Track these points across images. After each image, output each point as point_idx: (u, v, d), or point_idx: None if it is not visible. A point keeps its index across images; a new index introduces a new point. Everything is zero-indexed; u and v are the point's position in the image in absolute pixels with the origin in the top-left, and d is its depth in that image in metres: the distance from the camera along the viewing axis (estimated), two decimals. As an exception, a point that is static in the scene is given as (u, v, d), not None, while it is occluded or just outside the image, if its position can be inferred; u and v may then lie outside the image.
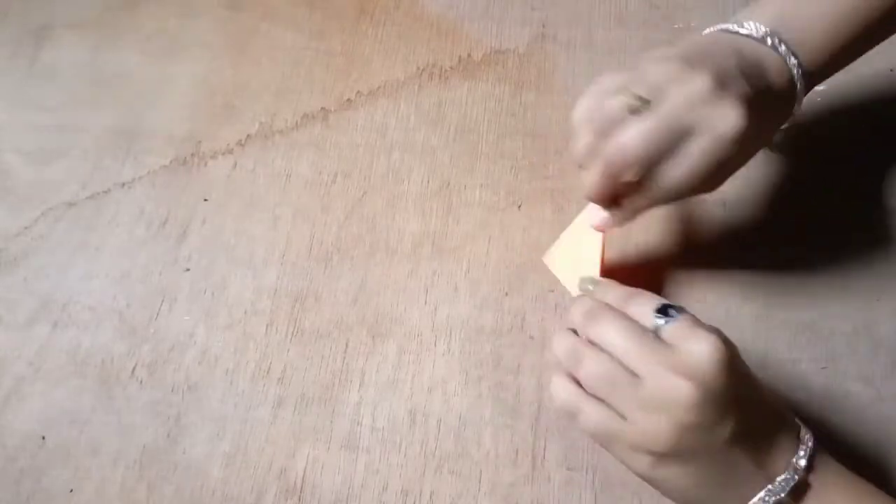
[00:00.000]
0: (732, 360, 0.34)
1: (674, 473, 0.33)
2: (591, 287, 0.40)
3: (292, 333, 0.46)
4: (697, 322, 0.35)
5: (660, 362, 0.33)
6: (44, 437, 0.44)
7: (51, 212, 0.52)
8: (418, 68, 0.56)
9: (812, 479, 0.33)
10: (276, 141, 0.53)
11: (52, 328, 0.47)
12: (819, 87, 0.50)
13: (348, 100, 0.55)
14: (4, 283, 0.49)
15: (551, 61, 0.55)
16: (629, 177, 0.38)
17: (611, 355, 0.34)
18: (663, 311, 0.35)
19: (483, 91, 0.54)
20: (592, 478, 0.41)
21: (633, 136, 0.37)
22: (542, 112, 0.53)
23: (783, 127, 0.41)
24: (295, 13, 0.59)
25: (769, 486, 0.33)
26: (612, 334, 0.35)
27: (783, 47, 0.39)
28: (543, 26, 0.57)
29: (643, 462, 0.33)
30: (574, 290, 0.43)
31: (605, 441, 0.35)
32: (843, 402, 0.42)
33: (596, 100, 0.38)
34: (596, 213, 0.42)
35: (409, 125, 0.53)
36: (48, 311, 0.48)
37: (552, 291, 0.46)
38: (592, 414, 0.34)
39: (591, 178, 0.39)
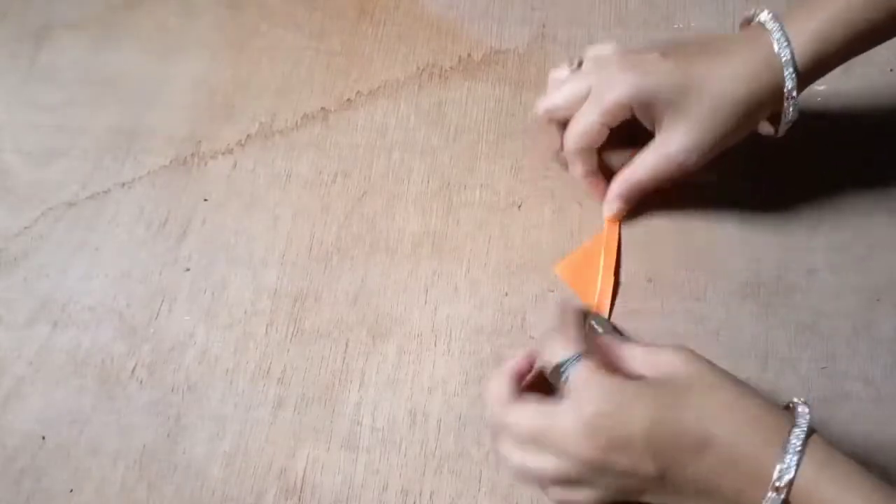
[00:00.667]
0: (622, 402, 0.33)
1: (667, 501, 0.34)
2: (596, 325, 0.43)
3: (292, 333, 0.46)
4: (593, 370, 0.35)
5: (563, 432, 0.34)
6: (44, 437, 0.44)
7: (51, 212, 0.52)
8: (418, 68, 0.56)
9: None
10: (276, 141, 0.53)
11: (52, 328, 0.47)
12: (819, 87, 0.51)
13: (348, 100, 0.55)
14: (4, 283, 0.49)
15: (551, 61, 0.55)
16: (591, 138, 0.45)
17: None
18: (559, 368, 0.36)
19: (483, 91, 0.54)
20: (592, 478, 0.41)
21: (557, 91, 0.47)
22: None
23: (788, 120, 0.43)
24: (295, 13, 0.59)
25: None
26: (520, 429, 0.36)
27: (779, 34, 0.40)
28: (543, 26, 0.57)
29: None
30: (589, 300, 0.45)
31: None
32: (843, 402, 0.42)
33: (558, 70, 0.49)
34: (609, 205, 0.47)
35: (409, 125, 0.53)
36: (48, 311, 0.48)
37: (552, 291, 0.46)
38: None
39: (572, 169, 0.48)
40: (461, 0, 0.58)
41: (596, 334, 0.42)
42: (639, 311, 0.45)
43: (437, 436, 0.42)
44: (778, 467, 0.31)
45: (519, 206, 0.49)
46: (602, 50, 0.45)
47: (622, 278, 0.46)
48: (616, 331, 0.44)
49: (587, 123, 0.44)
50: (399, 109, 0.54)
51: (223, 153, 0.53)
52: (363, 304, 0.47)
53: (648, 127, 0.44)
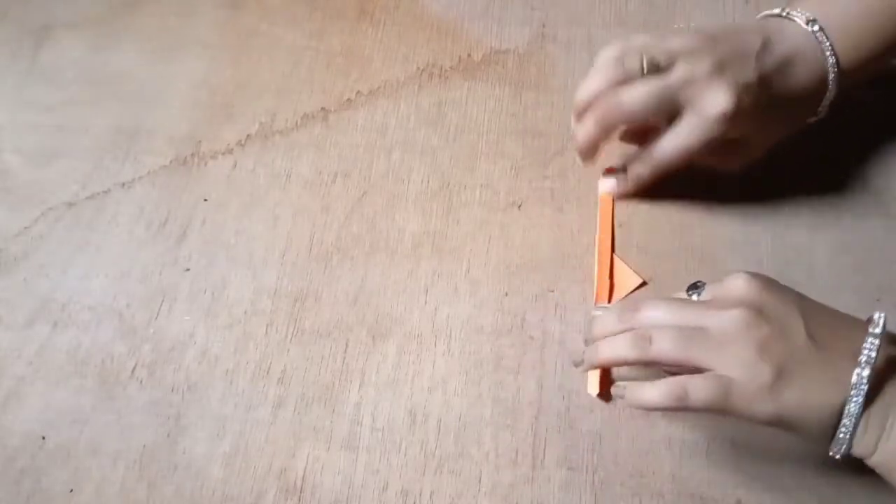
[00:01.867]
0: (767, 279, 0.36)
1: (791, 397, 0.33)
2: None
3: (292, 333, 0.46)
4: (723, 277, 0.37)
5: (709, 309, 0.35)
6: (44, 437, 0.44)
7: (51, 212, 0.52)
8: (418, 68, 0.56)
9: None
10: (276, 141, 0.53)
11: (52, 328, 0.47)
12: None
13: (348, 100, 0.55)
14: (4, 283, 0.49)
15: (551, 61, 0.55)
16: (617, 128, 0.43)
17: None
18: (692, 288, 0.38)
19: (483, 91, 0.54)
20: (592, 478, 0.41)
21: (632, 94, 0.41)
22: (542, 112, 0.53)
23: (812, 120, 0.44)
24: (295, 13, 0.59)
25: (856, 371, 0.33)
26: (660, 312, 0.36)
27: (823, 38, 0.42)
28: (543, 26, 0.57)
29: (763, 402, 0.34)
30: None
31: (721, 402, 0.34)
32: (843, 402, 0.42)
33: (618, 53, 0.43)
34: (605, 182, 0.48)
35: (409, 125, 0.53)
36: (48, 311, 0.48)
37: (552, 291, 0.46)
38: (697, 388, 0.34)
39: (586, 124, 0.43)
40: (461, 0, 0.58)
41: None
42: (639, 311, 0.45)
43: (437, 436, 0.42)
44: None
45: (519, 206, 0.49)
46: (680, 43, 0.42)
47: (617, 281, 0.46)
48: None
49: (691, 146, 0.41)
50: (399, 109, 0.54)
51: (223, 153, 0.53)
52: (363, 304, 0.47)
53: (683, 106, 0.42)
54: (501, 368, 0.44)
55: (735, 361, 0.34)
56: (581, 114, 0.44)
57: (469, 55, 0.56)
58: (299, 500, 0.41)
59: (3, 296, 0.49)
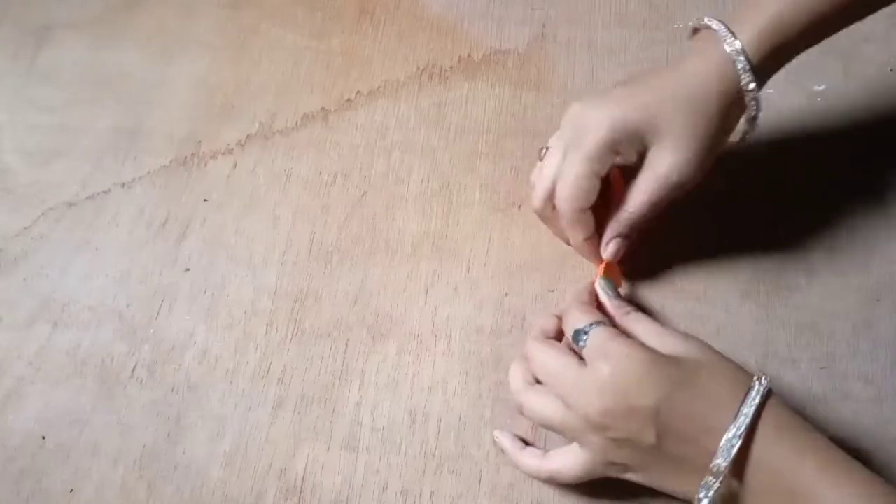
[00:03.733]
0: (639, 372, 0.35)
1: (640, 479, 0.36)
2: (602, 288, 0.43)
3: (292, 333, 0.46)
4: (612, 336, 0.37)
5: (576, 388, 0.36)
6: (44, 437, 0.44)
7: (51, 212, 0.52)
8: (418, 68, 0.56)
9: (753, 450, 0.33)
10: (276, 141, 0.53)
11: (52, 328, 0.47)
12: (818, 87, 0.51)
13: (348, 100, 0.55)
14: (4, 283, 0.49)
15: (551, 61, 0.55)
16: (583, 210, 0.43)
17: (545, 383, 0.38)
18: (577, 335, 0.38)
19: (483, 91, 0.54)
20: (592, 478, 0.41)
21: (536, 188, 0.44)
22: (542, 112, 0.53)
23: (753, 115, 0.42)
24: (295, 13, 0.59)
25: (704, 482, 0.33)
26: (539, 362, 0.39)
27: (724, 31, 0.40)
28: (543, 26, 0.57)
29: (614, 473, 0.37)
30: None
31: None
32: (843, 402, 0.42)
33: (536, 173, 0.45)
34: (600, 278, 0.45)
35: (409, 125, 0.53)
36: (48, 311, 0.48)
37: (552, 291, 0.46)
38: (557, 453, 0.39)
39: (570, 234, 0.44)
40: (461, 0, 0.58)
41: (604, 298, 0.42)
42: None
43: (437, 436, 0.42)
44: (725, 436, 0.33)
45: (519, 206, 0.49)
46: (564, 120, 0.44)
47: (624, 279, 0.46)
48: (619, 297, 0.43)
49: (576, 177, 0.41)
50: (399, 109, 0.54)
51: (223, 153, 0.53)
52: (363, 304, 0.47)
53: (632, 162, 0.42)
54: (501, 368, 0.44)
55: (588, 446, 0.37)
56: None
57: (469, 55, 0.56)
58: (299, 500, 0.41)
59: (3, 296, 0.49)
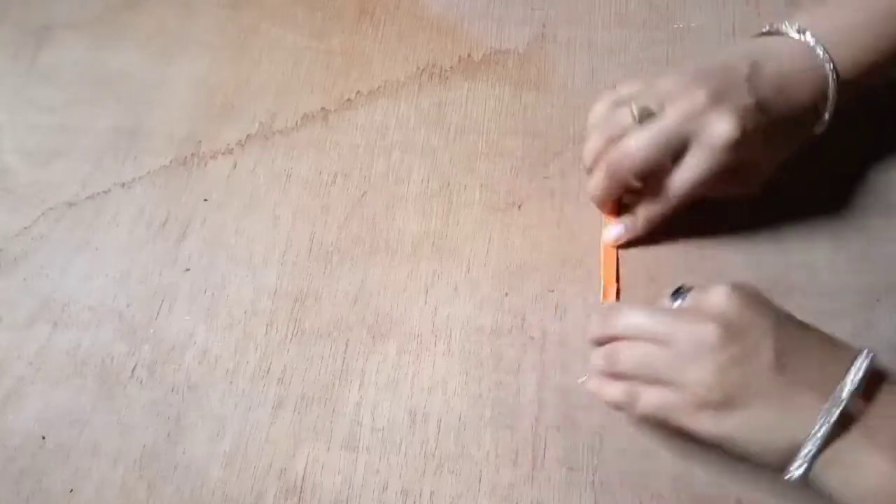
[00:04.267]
0: (750, 295, 0.35)
1: (740, 422, 0.33)
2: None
3: (292, 333, 0.46)
4: (710, 284, 0.37)
5: (683, 320, 0.35)
6: (44, 437, 0.44)
7: (51, 212, 0.52)
8: (418, 68, 0.56)
9: (875, 394, 0.32)
10: (276, 141, 0.53)
11: (52, 328, 0.47)
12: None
13: (348, 100, 0.55)
14: (4, 283, 0.49)
15: (551, 61, 0.55)
16: (630, 180, 0.43)
17: (641, 339, 0.36)
18: (676, 293, 0.38)
19: (483, 91, 0.54)
20: (592, 478, 0.41)
21: (635, 144, 0.41)
22: (542, 112, 0.53)
23: (819, 131, 0.44)
24: (295, 13, 0.59)
25: (823, 406, 0.32)
26: (633, 319, 0.37)
27: (818, 48, 0.41)
28: (543, 26, 0.57)
29: (708, 421, 0.34)
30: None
31: (667, 415, 0.35)
32: (843, 402, 0.42)
33: (609, 107, 0.44)
34: (610, 230, 0.47)
35: (409, 125, 0.53)
36: (48, 311, 0.48)
37: (552, 291, 0.46)
38: (647, 395, 0.36)
39: (596, 180, 0.44)
40: (461, 0, 0.58)
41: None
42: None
43: (437, 436, 0.42)
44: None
45: (519, 206, 0.49)
46: (666, 84, 0.42)
47: (623, 279, 0.46)
48: None
49: (700, 178, 0.41)
50: (399, 109, 0.54)
51: (223, 153, 0.53)
52: (363, 304, 0.47)
53: None
54: (501, 368, 0.44)
55: (690, 379, 0.34)
56: (590, 171, 0.45)
57: (469, 55, 0.56)
58: (299, 500, 0.41)
59: (3, 296, 0.49)
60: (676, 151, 0.41)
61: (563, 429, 0.42)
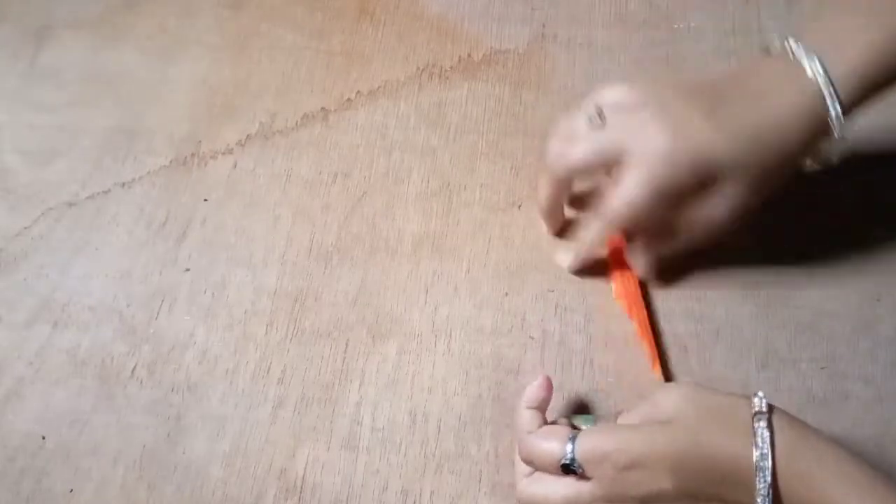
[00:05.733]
0: (641, 452, 0.33)
1: None
2: (582, 425, 0.39)
3: (292, 333, 0.46)
4: (596, 437, 0.35)
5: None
6: (44, 437, 0.44)
7: (51, 212, 0.52)
8: (418, 68, 0.56)
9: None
10: (276, 141, 0.53)
11: (52, 328, 0.47)
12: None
13: (348, 100, 0.55)
14: (4, 283, 0.49)
15: (551, 61, 0.55)
16: (565, 185, 0.44)
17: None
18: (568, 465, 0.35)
19: (483, 91, 0.54)
20: (592, 478, 0.41)
21: (574, 149, 0.41)
22: (542, 112, 0.53)
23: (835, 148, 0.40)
24: (295, 13, 0.59)
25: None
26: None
27: (818, 65, 0.37)
28: (543, 26, 0.57)
29: None
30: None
31: None
32: (843, 402, 0.42)
33: (571, 114, 0.43)
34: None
35: (409, 125, 0.53)
36: (48, 311, 0.48)
37: (552, 291, 0.46)
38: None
39: (539, 183, 0.45)
40: (461, 0, 0.58)
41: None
42: (639, 311, 0.45)
43: (437, 436, 0.42)
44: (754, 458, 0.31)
45: (519, 206, 0.49)
46: (618, 96, 0.41)
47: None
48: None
49: (636, 196, 0.39)
50: (399, 109, 0.54)
51: (223, 153, 0.53)
52: (363, 304, 0.47)
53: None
54: (501, 368, 0.44)
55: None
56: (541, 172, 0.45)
57: (469, 55, 0.56)
58: (299, 500, 0.41)
59: (3, 296, 0.49)
60: (611, 160, 0.40)
61: (563, 429, 0.42)
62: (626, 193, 0.39)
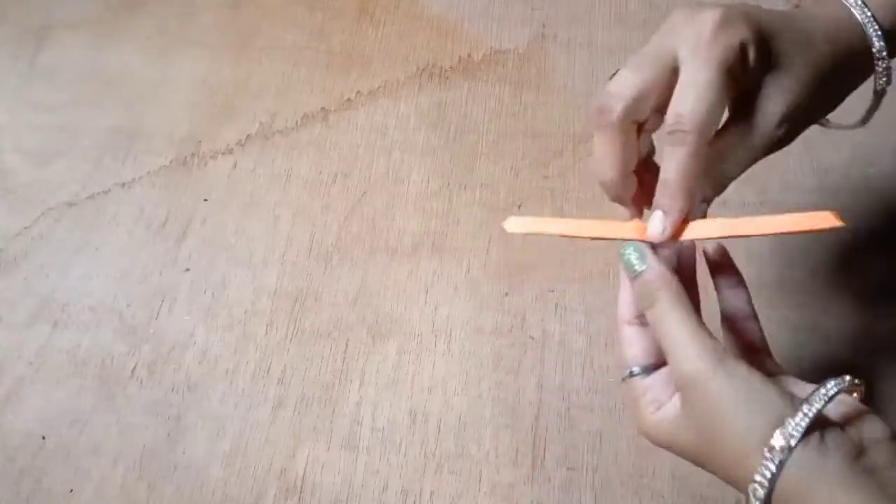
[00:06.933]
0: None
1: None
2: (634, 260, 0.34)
3: (292, 333, 0.46)
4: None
5: None
6: (44, 437, 0.44)
7: (51, 212, 0.52)
8: (418, 68, 0.56)
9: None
10: (276, 141, 0.53)
11: (52, 328, 0.47)
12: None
13: (348, 100, 0.55)
14: (4, 283, 0.49)
15: (551, 61, 0.55)
16: (620, 113, 0.34)
17: None
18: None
19: (483, 91, 0.54)
20: (592, 478, 0.41)
21: (619, 74, 0.35)
22: (542, 112, 0.53)
23: (879, 92, 0.36)
24: (295, 13, 0.59)
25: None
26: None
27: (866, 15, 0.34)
28: (543, 26, 0.57)
29: None
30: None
31: None
32: (843, 402, 0.42)
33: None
34: (652, 222, 0.35)
35: (409, 125, 0.53)
36: (48, 311, 0.48)
37: (552, 291, 0.46)
38: None
39: (593, 150, 0.35)
40: (461, 0, 0.58)
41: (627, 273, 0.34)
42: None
43: (437, 436, 0.42)
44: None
45: (519, 206, 0.49)
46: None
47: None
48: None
49: (702, 81, 0.32)
50: (399, 109, 0.54)
51: (223, 153, 0.53)
52: (363, 304, 0.47)
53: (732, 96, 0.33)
54: (501, 368, 0.44)
55: None
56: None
57: (469, 55, 0.56)
58: (299, 500, 0.41)
59: (3, 296, 0.49)
60: (665, 67, 0.34)
61: (563, 429, 0.42)
62: (690, 82, 0.33)
